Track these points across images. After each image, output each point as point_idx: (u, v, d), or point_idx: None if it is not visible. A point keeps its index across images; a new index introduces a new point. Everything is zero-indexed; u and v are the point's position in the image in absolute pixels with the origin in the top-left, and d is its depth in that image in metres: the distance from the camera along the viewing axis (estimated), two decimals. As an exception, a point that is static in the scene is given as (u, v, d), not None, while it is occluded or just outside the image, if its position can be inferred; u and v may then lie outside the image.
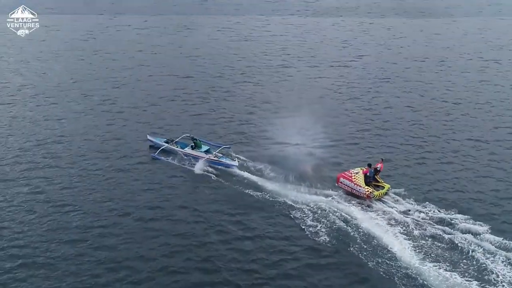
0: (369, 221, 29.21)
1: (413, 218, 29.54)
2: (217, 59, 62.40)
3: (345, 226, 28.69)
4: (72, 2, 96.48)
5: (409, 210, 30.24)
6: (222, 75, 56.13)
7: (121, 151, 37.77)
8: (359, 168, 32.51)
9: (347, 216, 29.59)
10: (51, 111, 45.67)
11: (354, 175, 31.80)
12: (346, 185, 31.98)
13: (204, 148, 36.84)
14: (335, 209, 30.23)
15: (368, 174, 31.82)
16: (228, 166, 35.11)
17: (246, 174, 34.38)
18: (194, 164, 35.32)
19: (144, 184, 33.39)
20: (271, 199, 31.43)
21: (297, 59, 63.08)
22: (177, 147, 37.40)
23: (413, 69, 60.28)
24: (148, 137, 38.85)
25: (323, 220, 29.18)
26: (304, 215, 29.69)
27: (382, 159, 33.60)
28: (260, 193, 32.06)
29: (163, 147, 36.93)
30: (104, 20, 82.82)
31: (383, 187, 31.84)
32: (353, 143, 40.12)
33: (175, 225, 29.13)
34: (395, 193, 32.03)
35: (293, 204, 30.78)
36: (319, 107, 46.59)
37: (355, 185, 31.47)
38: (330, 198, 31.50)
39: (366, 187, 31.28)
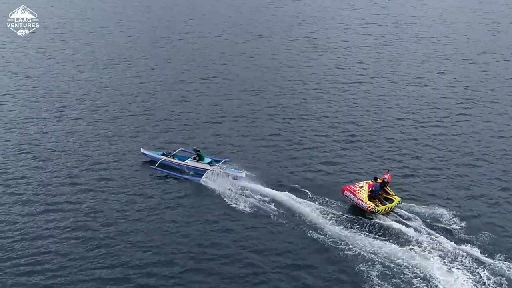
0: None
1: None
2: (289, 72, 58.80)
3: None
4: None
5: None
6: (293, 91, 52.63)
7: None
8: (365, 182, 32.48)
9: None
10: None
11: (359, 189, 31.80)
12: (351, 199, 32.06)
13: (207, 160, 35.92)
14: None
15: (373, 188, 31.70)
16: (235, 177, 34.42)
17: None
18: (199, 177, 34.83)
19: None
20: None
21: (374, 73, 58.72)
22: (174, 159, 36.51)
23: (503, 89, 54.75)
24: (142, 150, 37.47)
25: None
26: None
27: (388, 170, 33.50)
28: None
29: (161, 160, 36.07)
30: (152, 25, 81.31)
31: (393, 200, 31.82)
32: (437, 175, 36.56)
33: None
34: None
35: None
36: (396, 131, 43.31)
37: (358, 200, 31.48)
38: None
39: (369, 202, 31.20)
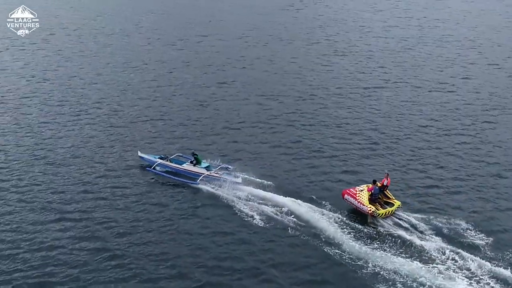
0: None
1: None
2: (309, 76, 57.70)
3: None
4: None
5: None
6: (313, 96, 51.52)
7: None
8: (365, 186, 32.01)
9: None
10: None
11: (359, 193, 31.39)
12: (351, 202, 31.61)
13: (204, 164, 35.58)
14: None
15: (373, 191, 31.26)
16: (231, 182, 33.90)
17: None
18: (194, 180, 34.46)
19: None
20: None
21: (396, 78, 57.36)
22: (171, 163, 36.20)
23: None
24: (139, 154, 37.24)
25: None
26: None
27: (387, 173, 32.72)
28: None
29: (158, 163, 36.01)
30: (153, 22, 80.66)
31: (393, 204, 31.44)
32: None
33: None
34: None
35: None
36: (419, 139, 42.23)
37: (359, 203, 31.07)
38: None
39: (369, 205, 30.72)
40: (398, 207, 31.49)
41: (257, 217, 30.76)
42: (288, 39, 73.48)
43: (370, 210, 30.58)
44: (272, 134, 42.94)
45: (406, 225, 30.56)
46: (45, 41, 68.33)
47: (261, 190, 33.40)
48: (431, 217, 31.21)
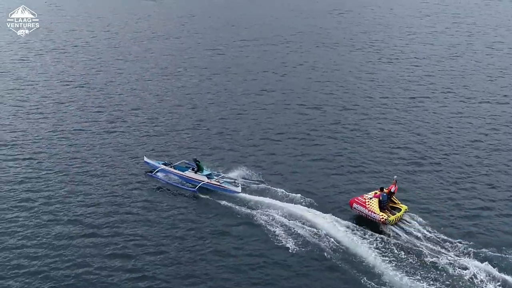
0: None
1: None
2: (352, 84, 55.71)
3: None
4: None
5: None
6: (356, 106, 49.51)
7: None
8: (373, 193, 31.13)
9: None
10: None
11: (368, 201, 30.49)
12: (360, 211, 30.75)
13: (206, 172, 34.90)
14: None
15: (381, 198, 30.49)
16: (231, 192, 33.37)
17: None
18: (194, 187, 34.09)
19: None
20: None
21: (444, 88, 54.75)
22: (175, 170, 35.73)
23: None
24: (145, 159, 36.87)
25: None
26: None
27: (396, 180, 32.08)
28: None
29: (160, 168, 35.66)
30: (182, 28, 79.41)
31: (400, 209, 30.78)
32: None
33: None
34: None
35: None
36: (468, 155, 39.99)
37: (370, 212, 30.21)
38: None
39: (381, 213, 29.93)
40: (405, 211, 30.82)
41: (292, 238, 29.04)
42: (331, 44, 71.56)
43: (383, 218, 29.77)
44: (312, 146, 41.18)
45: (454, 255, 28.04)
46: (87, 43, 68.27)
47: (298, 208, 31.69)
48: (486, 249, 28.39)
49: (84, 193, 33.64)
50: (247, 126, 44.56)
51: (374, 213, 29.91)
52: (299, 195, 32.97)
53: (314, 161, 38.67)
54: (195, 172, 34.79)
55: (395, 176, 32.88)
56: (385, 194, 30.78)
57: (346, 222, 30.50)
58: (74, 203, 32.44)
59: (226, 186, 33.74)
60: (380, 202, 30.38)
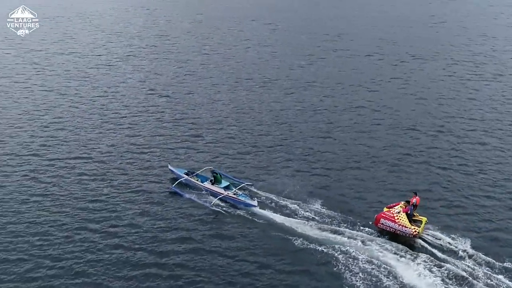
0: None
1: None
2: (448, 105, 50.59)
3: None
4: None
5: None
6: (451, 130, 44.59)
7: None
8: (400, 207, 30.50)
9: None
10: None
11: (397, 215, 29.87)
12: (389, 226, 29.89)
13: (224, 183, 34.37)
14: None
15: (409, 212, 30.05)
16: (247, 205, 32.58)
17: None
18: (211, 200, 33.17)
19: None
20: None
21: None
22: (197, 180, 35.23)
23: None
24: (169, 167, 36.67)
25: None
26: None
27: (416, 193, 31.56)
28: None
29: (181, 179, 35.17)
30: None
31: (421, 221, 30.37)
32: None
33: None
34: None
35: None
36: None
37: (400, 226, 29.54)
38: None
39: (413, 227, 29.52)
40: (425, 223, 30.44)
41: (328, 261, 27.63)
42: (427, 57, 66.59)
43: (415, 231, 29.37)
44: (401, 179, 36.88)
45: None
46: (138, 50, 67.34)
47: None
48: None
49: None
50: (330, 150, 40.87)
51: (406, 227, 29.45)
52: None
53: (401, 196, 34.28)
54: (212, 184, 34.28)
55: (415, 191, 32.00)
56: (411, 208, 30.38)
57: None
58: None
59: (242, 199, 33.09)
60: (407, 215, 29.92)
